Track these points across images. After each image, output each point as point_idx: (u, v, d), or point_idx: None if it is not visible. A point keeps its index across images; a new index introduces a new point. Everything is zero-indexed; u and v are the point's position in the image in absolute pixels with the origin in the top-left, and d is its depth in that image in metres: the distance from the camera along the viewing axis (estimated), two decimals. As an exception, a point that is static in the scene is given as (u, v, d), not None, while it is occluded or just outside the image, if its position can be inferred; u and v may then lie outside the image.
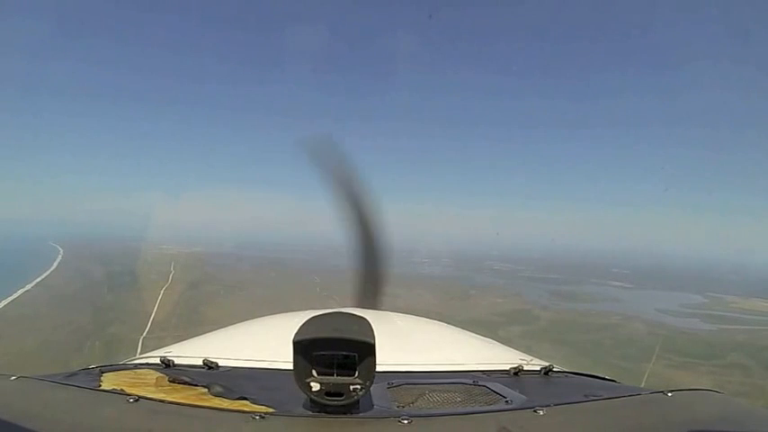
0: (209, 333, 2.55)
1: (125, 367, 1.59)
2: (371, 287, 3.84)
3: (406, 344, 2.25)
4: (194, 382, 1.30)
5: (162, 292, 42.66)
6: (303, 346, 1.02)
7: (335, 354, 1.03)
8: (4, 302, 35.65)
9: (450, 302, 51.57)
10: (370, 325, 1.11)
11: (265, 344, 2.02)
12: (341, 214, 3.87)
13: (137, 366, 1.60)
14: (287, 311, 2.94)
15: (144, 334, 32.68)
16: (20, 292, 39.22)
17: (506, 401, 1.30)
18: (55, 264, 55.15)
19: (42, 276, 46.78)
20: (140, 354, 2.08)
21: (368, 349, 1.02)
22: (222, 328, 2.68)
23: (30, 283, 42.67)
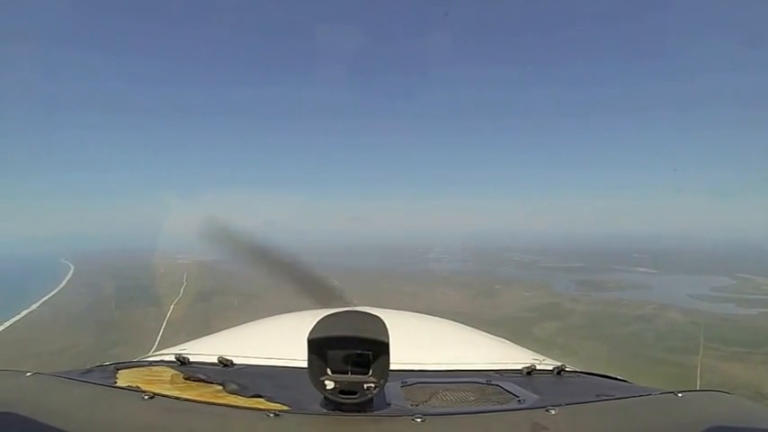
0: (224, 331, 2.62)
1: (140, 364, 1.60)
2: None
3: (419, 343, 2.23)
4: (209, 380, 1.31)
5: (172, 307, 40.55)
6: (317, 345, 1.04)
7: (350, 352, 1.04)
8: (5, 325, 33.73)
9: (477, 300, 50.23)
10: (384, 323, 1.12)
11: (280, 342, 2.01)
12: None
13: (152, 363, 1.60)
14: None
15: (149, 355, 30.39)
16: (23, 313, 37.37)
17: (519, 401, 1.31)
18: (64, 281, 53.86)
19: (49, 295, 45.25)
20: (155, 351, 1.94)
21: (382, 348, 1.04)
22: (237, 325, 2.74)
23: (35, 303, 41.01)
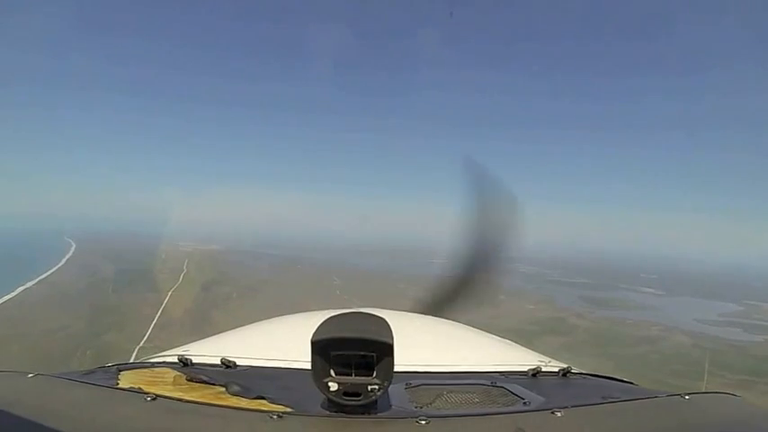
0: (227, 332, 2.52)
1: (143, 365, 1.60)
2: (456, 294, 3.72)
3: (424, 344, 2.21)
4: (212, 381, 1.31)
5: (170, 293, 39.97)
6: (321, 346, 1.04)
7: (354, 354, 1.04)
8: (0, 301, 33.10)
9: (480, 309, 48.87)
10: (388, 325, 1.12)
11: (283, 343, 1.98)
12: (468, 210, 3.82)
13: (154, 365, 1.59)
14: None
15: (141, 344, 29.81)
16: (19, 289, 36.82)
17: (524, 403, 1.31)
18: (64, 260, 53.38)
19: (47, 273, 44.69)
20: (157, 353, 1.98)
21: (386, 349, 1.04)
22: (240, 327, 2.63)
23: (32, 280, 40.45)
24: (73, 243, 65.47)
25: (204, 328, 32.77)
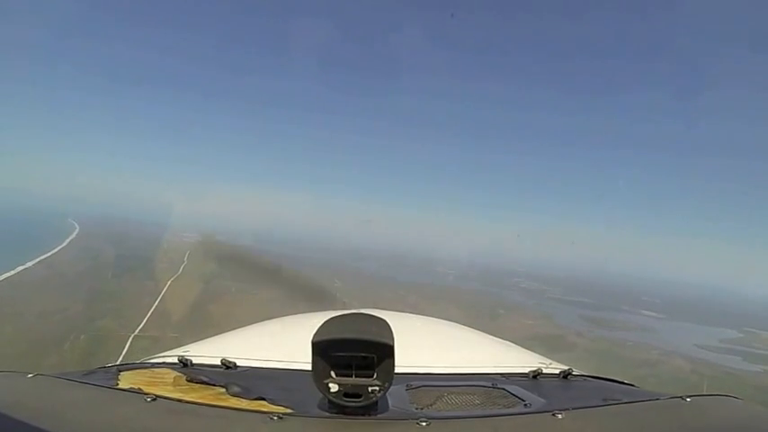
0: (228, 333, 2.49)
1: (143, 366, 1.60)
2: None
3: (424, 345, 2.21)
4: (212, 382, 1.31)
5: (169, 283, 39.60)
6: (322, 347, 1.04)
7: (354, 355, 1.04)
8: (-2, 279, 32.72)
9: (478, 321, 48.52)
10: (388, 326, 1.12)
11: (284, 344, 1.99)
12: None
13: (154, 365, 1.59)
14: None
15: (135, 332, 29.77)
16: (18, 269, 36.36)
17: (525, 405, 1.31)
18: (66, 241, 52.97)
19: (48, 254, 44.25)
20: (157, 353, 2.00)
21: (387, 350, 1.04)
22: (240, 327, 2.61)
23: (32, 260, 40.00)
24: (77, 225, 65.44)
25: (201, 319, 32.60)
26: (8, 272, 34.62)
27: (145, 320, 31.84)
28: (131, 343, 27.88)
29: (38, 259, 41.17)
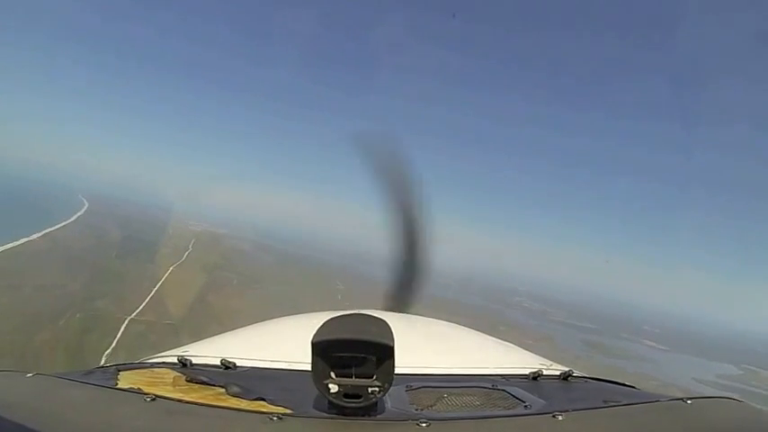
0: (227, 333, 2.46)
1: (142, 366, 1.58)
2: (405, 292, 3.90)
3: (425, 346, 2.19)
4: (212, 382, 1.31)
5: (170, 269, 39.47)
6: (322, 348, 1.04)
7: (354, 355, 1.04)
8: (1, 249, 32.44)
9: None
10: (389, 327, 1.12)
11: (283, 344, 1.95)
12: (388, 212, 4.01)
13: (154, 365, 1.58)
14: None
15: (132, 315, 29.40)
16: (22, 240, 36.10)
17: (525, 406, 1.31)
18: (73, 217, 52.96)
19: (54, 228, 44.13)
20: (157, 353, 1.92)
21: (387, 351, 1.04)
22: (240, 327, 2.58)
23: (38, 232, 39.79)
24: (86, 202, 65.53)
25: (199, 309, 32.30)
26: (12, 242, 34.39)
27: (143, 305, 31.49)
28: (127, 326, 27.68)
29: (43, 232, 40.95)
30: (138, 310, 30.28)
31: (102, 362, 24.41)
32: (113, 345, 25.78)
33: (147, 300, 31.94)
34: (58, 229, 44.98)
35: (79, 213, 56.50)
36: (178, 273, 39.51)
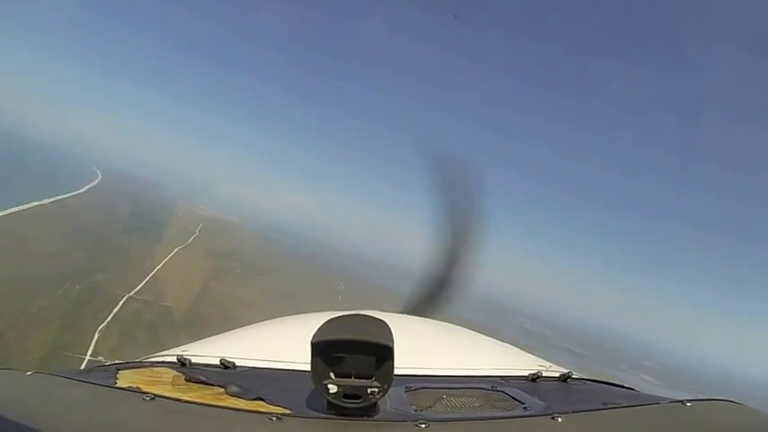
0: (227, 333, 2.44)
1: (141, 365, 1.58)
2: (431, 300, 3.88)
3: (424, 347, 2.21)
4: (211, 382, 1.31)
5: (175, 251, 39.31)
6: (321, 348, 1.05)
7: (354, 356, 1.05)
8: (9, 211, 32.17)
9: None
10: (388, 328, 1.13)
11: (283, 344, 1.95)
12: (440, 216, 4.07)
13: (153, 364, 1.58)
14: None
15: (131, 293, 29.04)
16: (32, 204, 35.83)
17: (524, 408, 1.31)
18: (85, 188, 52.88)
19: (65, 195, 43.96)
20: (157, 352, 1.90)
21: (386, 352, 1.05)
22: (239, 327, 2.61)
23: (48, 198, 39.61)
24: (99, 174, 65.59)
25: (200, 294, 32.03)
26: (23, 205, 34.21)
27: (142, 283, 31.18)
28: (123, 304, 27.38)
29: (54, 198, 40.83)
30: (136, 289, 30.01)
31: (95, 338, 24.45)
32: (108, 319, 25.49)
33: (146, 279, 31.64)
34: (68, 197, 44.79)
35: (91, 185, 56.51)
36: (182, 255, 39.28)
